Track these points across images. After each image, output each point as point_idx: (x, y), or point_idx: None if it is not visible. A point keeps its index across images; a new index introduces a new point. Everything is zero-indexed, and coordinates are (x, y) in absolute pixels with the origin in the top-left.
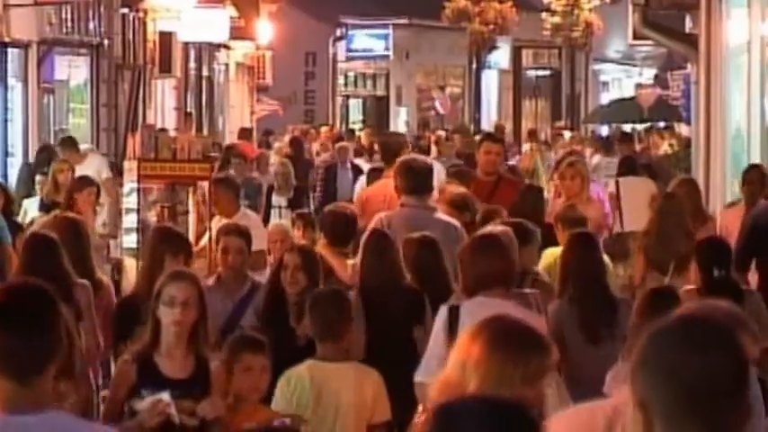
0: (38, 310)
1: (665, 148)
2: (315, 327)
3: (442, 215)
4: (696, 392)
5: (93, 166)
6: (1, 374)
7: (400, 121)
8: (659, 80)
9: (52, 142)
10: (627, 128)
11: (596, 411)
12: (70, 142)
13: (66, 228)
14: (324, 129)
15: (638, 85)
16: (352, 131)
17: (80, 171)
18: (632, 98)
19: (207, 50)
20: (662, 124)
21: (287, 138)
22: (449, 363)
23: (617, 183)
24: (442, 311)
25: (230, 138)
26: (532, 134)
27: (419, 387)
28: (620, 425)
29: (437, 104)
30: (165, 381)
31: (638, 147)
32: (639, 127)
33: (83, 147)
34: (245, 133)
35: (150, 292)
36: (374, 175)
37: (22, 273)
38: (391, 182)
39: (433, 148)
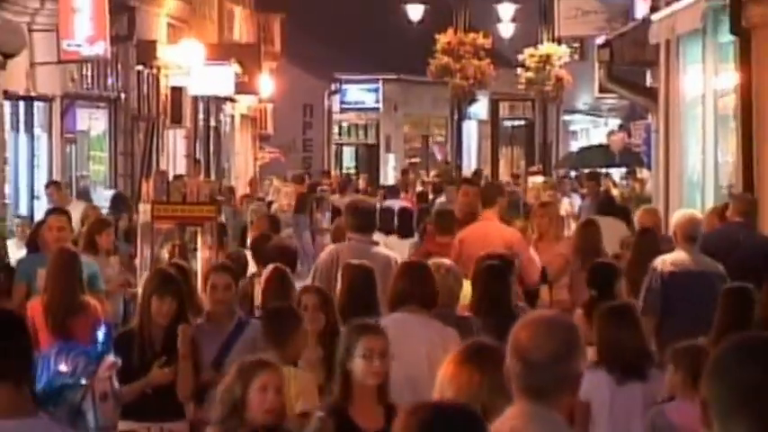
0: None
1: (616, 192)
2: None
3: (381, 249)
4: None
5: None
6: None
7: (389, 167)
8: (623, 129)
9: (73, 188)
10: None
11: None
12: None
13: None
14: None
15: (611, 132)
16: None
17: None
18: (600, 145)
19: (214, 103)
20: (623, 169)
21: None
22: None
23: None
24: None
25: (236, 182)
26: (516, 177)
27: None
28: None
29: (435, 150)
30: None
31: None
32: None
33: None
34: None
35: (144, 327)
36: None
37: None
38: (487, 223)
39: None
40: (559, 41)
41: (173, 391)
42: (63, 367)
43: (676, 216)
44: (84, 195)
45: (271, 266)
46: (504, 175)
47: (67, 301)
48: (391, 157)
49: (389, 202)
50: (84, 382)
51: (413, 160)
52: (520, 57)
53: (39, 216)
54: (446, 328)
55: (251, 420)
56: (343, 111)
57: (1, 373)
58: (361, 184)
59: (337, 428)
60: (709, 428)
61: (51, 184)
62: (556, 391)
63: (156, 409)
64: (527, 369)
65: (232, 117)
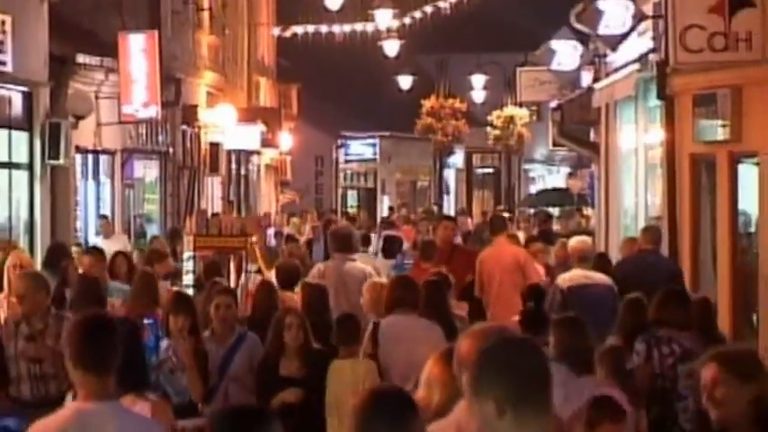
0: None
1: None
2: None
3: (357, 264)
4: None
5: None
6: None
7: (384, 206)
8: (572, 176)
9: (132, 225)
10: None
11: (446, 426)
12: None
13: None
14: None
15: (570, 174)
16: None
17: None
18: (555, 188)
19: (244, 155)
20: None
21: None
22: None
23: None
24: (371, 325)
25: (261, 217)
26: (485, 215)
27: None
28: None
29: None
30: None
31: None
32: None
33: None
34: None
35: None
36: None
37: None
38: (499, 246)
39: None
40: (521, 105)
41: None
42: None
43: (572, 242)
44: (141, 231)
45: (259, 280)
46: (476, 213)
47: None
48: (386, 198)
49: (384, 232)
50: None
51: (403, 201)
52: (489, 118)
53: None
54: (432, 324)
55: None
56: (347, 161)
57: (85, 365)
58: (362, 218)
59: None
60: (500, 418)
61: (102, 217)
62: None
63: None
64: (465, 371)
65: (258, 166)
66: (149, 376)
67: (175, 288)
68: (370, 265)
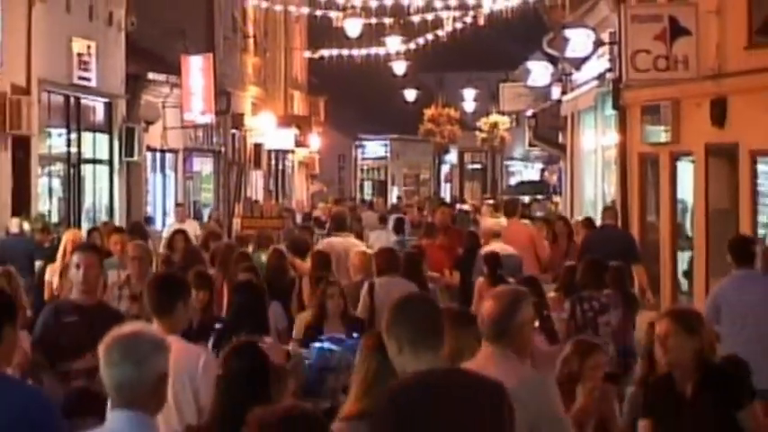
0: None
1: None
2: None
3: (350, 239)
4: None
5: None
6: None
7: (394, 194)
8: (544, 171)
9: (191, 208)
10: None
11: (470, 367)
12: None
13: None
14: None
15: (544, 169)
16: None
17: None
18: (531, 181)
19: (281, 154)
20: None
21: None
22: None
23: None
24: (366, 286)
25: (294, 204)
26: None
27: None
28: None
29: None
30: None
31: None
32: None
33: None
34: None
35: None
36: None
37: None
38: (515, 226)
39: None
40: (503, 114)
41: None
42: None
43: (488, 223)
44: (198, 214)
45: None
46: (468, 201)
47: None
48: (395, 188)
49: (394, 215)
50: None
51: (409, 189)
52: (478, 124)
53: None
54: (411, 284)
55: None
56: (363, 159)
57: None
58: (379, 204)
59: None
60: (399, 354)
61: (178, 205)
62: (505, 336)
63: None
64: (485, 323)
65: (292, 162)
66: (266, 325)
67: (197, 268)
68: (384, 239)
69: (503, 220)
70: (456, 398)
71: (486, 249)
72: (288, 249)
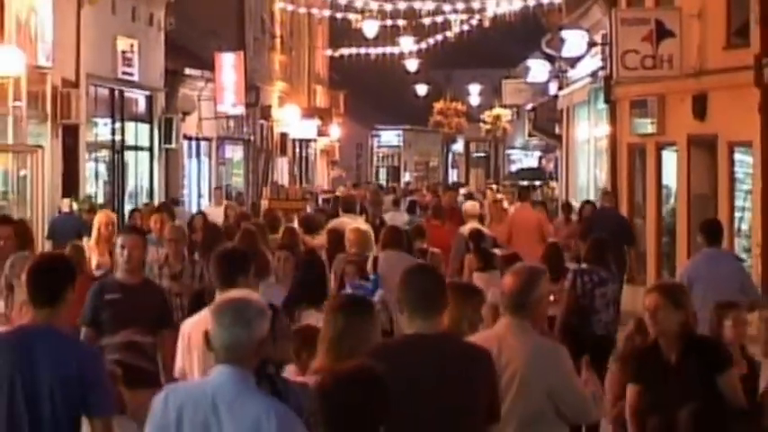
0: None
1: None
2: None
3: (357, 220)
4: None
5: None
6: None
7: (405, 179)
8: (542, 159)
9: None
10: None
11: (490, 335)
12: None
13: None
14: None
15: (542, 157)
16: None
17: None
18: (530, 167)
19: (304, 142)
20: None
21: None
22: None
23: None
24: (371, 258)
25: (316, 188)
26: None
27: None
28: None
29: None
30: None
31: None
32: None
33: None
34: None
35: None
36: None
37: None
38: (525, 210)
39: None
40: (505, 107)
41: None
42: None
43: (466, 206)
44: (229, 196)
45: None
46: (473, 186)
47: None
48: (407, 173)
49: (408, 197)
50: None
51: (420, 174)
52: (482, 116)
53: (203, 208)
54: (412, 257)
55: None
56: (379, 147)
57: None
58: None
59: None
60: (401, 314)
61: (217, 188)
62: (525, 309)
63: None
64: (506, 296)
65: (315, 150)
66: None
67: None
68: (399, 219)
69: (476, 204)
70: (425, 361)
71: (465, 228)
72: (300, 227)
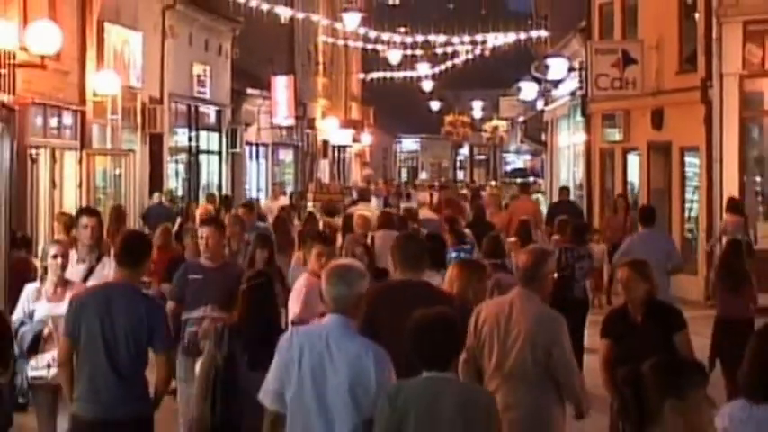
0: None
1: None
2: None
3: (372, 207)
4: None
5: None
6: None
7: (422, 177)
8: (531, 160)
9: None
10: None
11: (504, 300)
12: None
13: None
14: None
15: (530, 160)
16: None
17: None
18: (522, 168)
19: (342, 147)
20: (532, 179)
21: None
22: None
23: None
24: (370, 237)
25: (352, 184)
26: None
27: None
28: (510, 309)
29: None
30: None
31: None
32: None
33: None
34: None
35: (249, 266)
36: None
37: None
38: (524, 201)
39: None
40: (502, 119)
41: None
42: None
43: (418, 197)
44: (282, 190)
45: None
46: (474, 182)
47: None
48: (424, 173)
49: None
50: None
51: (434, 173)
52: (484, 127)
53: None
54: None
55: None
56: (401, 152)
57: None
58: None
59: None
60: (395, 271)
61: (275, 184)
62: (534, 281)
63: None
64: (520, 270)
65: (350, 154)
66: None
67: (259, 231)
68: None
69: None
70: (407, 292)
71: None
72: (321, 211)
